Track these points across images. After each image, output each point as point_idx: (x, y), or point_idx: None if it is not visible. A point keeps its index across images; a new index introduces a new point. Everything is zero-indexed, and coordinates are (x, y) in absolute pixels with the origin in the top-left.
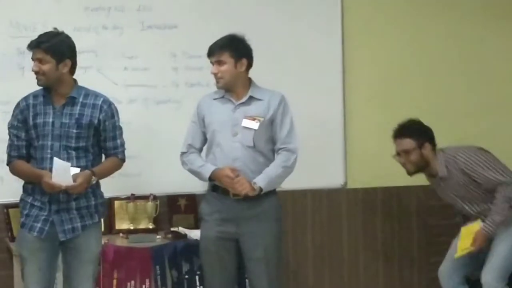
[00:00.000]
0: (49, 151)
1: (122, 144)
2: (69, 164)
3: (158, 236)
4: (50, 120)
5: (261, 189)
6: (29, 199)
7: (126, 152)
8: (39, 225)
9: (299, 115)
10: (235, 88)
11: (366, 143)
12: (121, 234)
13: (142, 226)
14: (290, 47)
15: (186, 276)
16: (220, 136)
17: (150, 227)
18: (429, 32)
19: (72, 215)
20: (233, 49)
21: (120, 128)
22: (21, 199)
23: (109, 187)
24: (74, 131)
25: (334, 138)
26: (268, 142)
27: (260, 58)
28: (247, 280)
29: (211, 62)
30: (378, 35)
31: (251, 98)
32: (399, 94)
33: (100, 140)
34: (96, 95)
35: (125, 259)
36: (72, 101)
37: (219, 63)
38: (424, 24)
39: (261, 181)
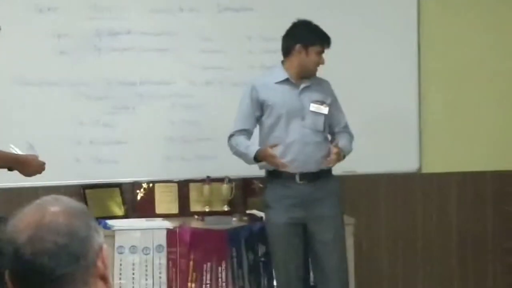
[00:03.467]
0: None
1: None
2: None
3: (233, 219)
4: None
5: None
6: None
7: (202, 134)
8: None
9: (374, 100)
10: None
11: (441, 128)
12: (196, 216)
13: (217, 208)
14: (366, 35)
15: (262, 259)
16: (287, 120)
17: (225, 209)
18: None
19: None
20: None
21: None
22: None
23: (185, 169)
24: None
25: (409, 123)
26: (327, 125)
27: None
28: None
29: (322, 51)
30: (454, 21)
31: (312, 82)
32: (475, 78)
33: None
34: None
35: (201, 241)
36: None
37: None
38: (500, 13)
39: (345, 147)
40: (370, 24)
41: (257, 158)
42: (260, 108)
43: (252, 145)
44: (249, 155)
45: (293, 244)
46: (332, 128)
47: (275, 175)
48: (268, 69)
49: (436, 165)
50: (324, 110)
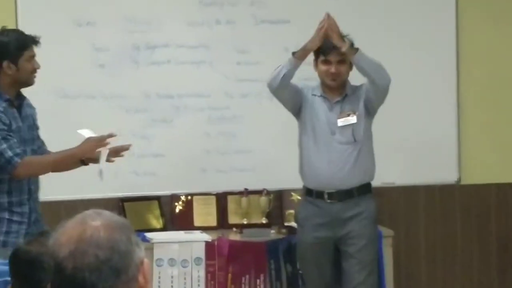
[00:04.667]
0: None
1: None
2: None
3: (272, 231)
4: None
5: (356, 49)
6: (6, 215)
7: (240, 146)
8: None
9: (413, 111)
10: (335, 89)
11: (480, 139)
12: (234, 229)
13: (255, 220)
14: (404, 44)
15: (300, 271)
16: (317, 135)
17: (263, 222)
18: None
19: None
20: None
21: None
22: None
23: (223, 181)
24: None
25: (448, 134)
26: (367, 131)
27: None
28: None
29: (327, 60)
30: (494, 34)
31: (346, 95)
32: None
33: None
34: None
35: (240, 253)
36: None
37: (341, 62)
38: None
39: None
40: (408, 38)
41: (295, 55)
42: (300, 101)
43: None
44: (286, 61)
45: (319, 263)
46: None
47: (307, 192)
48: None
49: (475, 176)
50: (352, 119)
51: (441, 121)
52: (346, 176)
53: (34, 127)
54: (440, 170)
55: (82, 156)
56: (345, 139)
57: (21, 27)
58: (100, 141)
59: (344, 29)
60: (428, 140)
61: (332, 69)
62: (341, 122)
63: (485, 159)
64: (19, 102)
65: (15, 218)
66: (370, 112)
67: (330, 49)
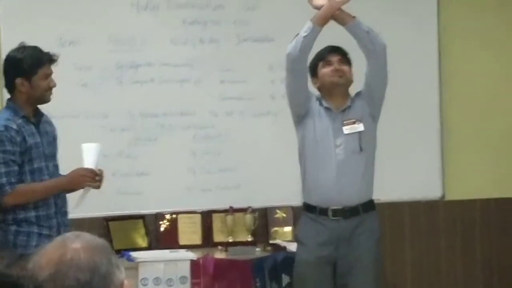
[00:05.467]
0: (46, 173)
1: None
2: (99, 144)
3: (257, 249)
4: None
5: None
6: (35, 229)
7: (225, 164)
8: None
9: (397, 126)
10: (339, 96)
11: (463, 154)
12: (219, 247)
13: (240, 238)
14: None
15: None
16: (321, 147)
17: (249, 239)
18: None
19: None
20: (349, 60)
21: None
22: (21, 232)
23: (208, 200)
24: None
25: (432, 150)
26: (373, 139)
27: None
28: None
29: (328, 61)
30: (477, 46)
31: (349, 106)
32: (498, 104)
33: None
34: None
35: (225, 271)
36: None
37: (343, 62)
38: None
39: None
40: (391, 57)
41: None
42: (306, 106)
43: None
44: (304, 27)
45: (319, 285)
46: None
47: (309, 209)
48: None
49: (459, 192)
50: (359, 127)
51: (424, 137)
52: (354, 191)
53: (54, 143)
54: (424, 186)
55: (71, 190)
56: (351, 149)
57: (3, 46)
58: (92, 179)
59: (324, 44)
60: (412, 156)
61: (336, 65)
62: (347, 130)
63: (469, 175)
64: (37, 119)
65: (45, 232)
66: (375, 114)
67: (328, 50)
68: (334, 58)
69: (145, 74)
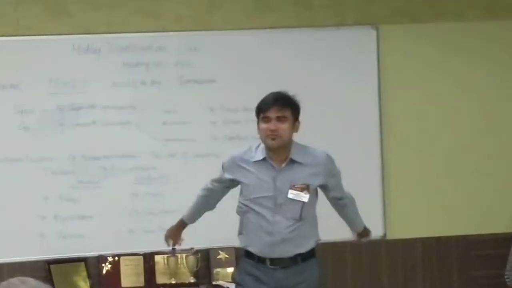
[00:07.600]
0: None
1: None
2: None
3: None
4: None
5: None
6: None
7: (167, 205)
8: None
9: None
10: (277, 154)
11: (404, 194)
12: None
13: (183, 280)
14: (327, 98)
15: None
16: (259, 208)
17: (192, 281)
18: (466, 81)
19: None
20: (295, 108)
21: None
22: None
23: (150, 241)
24: None
25: (372, 189)
26: (314, 206)
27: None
28: None
29: (266, 116)
30: (416, 84)
31: (293, 161)
32: (438, 142)
33: None
34: None
35: None
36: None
37: (281, 119)
38: (464, 74)
39: (359, 223)
40: (332, 95)
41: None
42: (232, 185)
43: (191, 208)
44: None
45: None
46: (330, 192)
47: (248, 255)
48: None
49: (400, 231)
50: (304, 197)
51: (365, 177)
52: (287, 247)
53: None
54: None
55: None
56: (290, 215)
57: None
58: None
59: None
60: (354, 196)
61: (271, 125)
62: (292, 194)
63: (410, 214)
64: None
65: None
66: (328, 185)
67: (268, 104)
68: (273, 115)
69: (86, 117)
